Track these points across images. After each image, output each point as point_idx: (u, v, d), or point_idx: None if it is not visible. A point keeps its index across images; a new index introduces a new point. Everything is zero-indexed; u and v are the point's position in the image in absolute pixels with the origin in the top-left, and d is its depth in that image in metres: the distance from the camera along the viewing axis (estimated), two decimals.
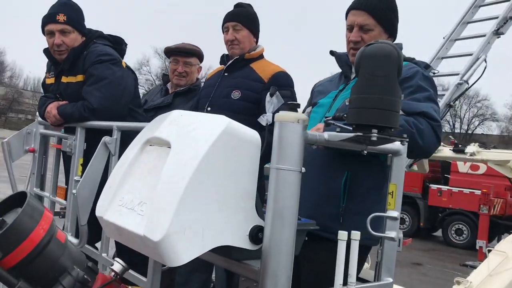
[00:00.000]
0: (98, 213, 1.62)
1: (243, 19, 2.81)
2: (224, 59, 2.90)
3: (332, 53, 2.34)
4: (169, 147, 1.48)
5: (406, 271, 9.22)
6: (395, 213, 1.72)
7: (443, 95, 4.95)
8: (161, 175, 1.42)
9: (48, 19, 2.78)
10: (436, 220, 13.97)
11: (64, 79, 2.81)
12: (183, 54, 3.27)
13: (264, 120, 2.61)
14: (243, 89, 2.71)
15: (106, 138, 2.26)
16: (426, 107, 2.04)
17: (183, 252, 1.34)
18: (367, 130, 1.41)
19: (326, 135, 1.49)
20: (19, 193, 1.31)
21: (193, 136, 1.45)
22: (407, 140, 1.54)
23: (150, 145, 1.61)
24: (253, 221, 1.47)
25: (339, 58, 2.32)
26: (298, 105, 1.42)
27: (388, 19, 2.19)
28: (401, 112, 2.02)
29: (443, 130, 2.64)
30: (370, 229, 1.68)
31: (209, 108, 2.75)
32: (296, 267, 2.08)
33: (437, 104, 2.16)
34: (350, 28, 2.23)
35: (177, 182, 1.36)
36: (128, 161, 1.64)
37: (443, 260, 11.01)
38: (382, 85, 1.41)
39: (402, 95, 1.49)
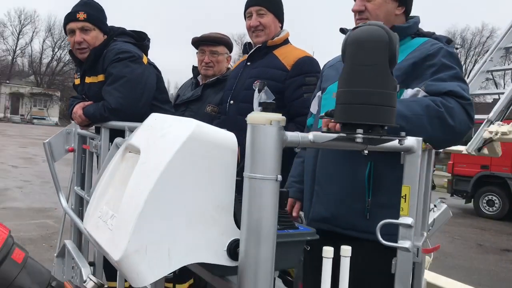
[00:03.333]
0: (83, 222, 1.57)
1: (267, 3, 2.62)
2: (246, 47, 2.74)
3: (342, 30, 2.09)
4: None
5: (492, 259, 8.57)
6: (409, 220, 1.49)
7: None
8: (127, 186, 1.31)
9: (69, 18, 2.78)
10: None
11: (87, 80, 2.82)
12: (209, 43, 3.15)
13: None
14: (264, 78, 2.54)
15: (117, 140, 2.21)
16: (453, 86, 1.79)
17: (145, 272, 1.22)
18: (352, 130, 1.19)
19: (311, 135, 1.29)
20: None
21: (160, 143, 1.32)
22: (406, 138, 1.30)
23: (129, 152, 1.51)
24: (231, 235, 1.31)
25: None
26: (273, 104, 1.23)
27: None
28: (425, 95, 1.77)
29: None
30: (380, 238, 1.48)
31: (231, 102, 2.61)
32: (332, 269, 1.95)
33: (465, 82, 1.88)
34: None
35: (138, 196, 1.24)
36: (109, 169, 1.55)
37: None
38: (370, 76, 1.19)
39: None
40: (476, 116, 5.45)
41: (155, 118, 1.47)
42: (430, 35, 2.03)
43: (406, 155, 1.50)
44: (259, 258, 1.24)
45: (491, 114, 4.53)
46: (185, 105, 3.12)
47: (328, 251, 1.26)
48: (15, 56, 55.23)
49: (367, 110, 1.17)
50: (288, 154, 2.29)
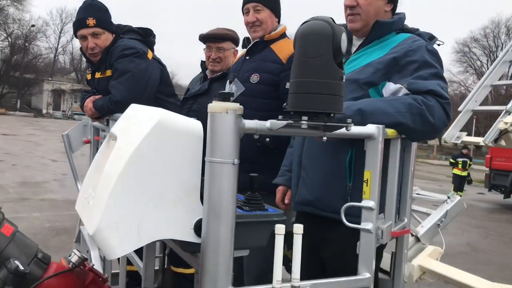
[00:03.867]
0: (76, 204, 1.73)
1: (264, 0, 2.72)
2: (245, 42, 2.85)
3: None
4: None
5: None
6: (371, 203, 1.58)
7: None
8: (103, 170, 1.46)
9: (79, 25, 2.96)
10: None
11: (97, 75, 3.01)
12: (215, 39, 3.26)
13: None
14: (261, 72, 2.64)
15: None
16: (433, 85, 1.88)
17: (116, 246, 1.37)
18: (299, 117, 1.30)
19: (268, 123, 1.40)
20: None
21: (131, 130, 1.46)
22: (352, 124, 1.38)
23: (112, 140, 1.66)
24: (197, 214, 1.44)
25: None
26: (231, 94, 1.35)
27: None
28: (407, 92, 1.87)
29: None
30: (344, 219, 1.58)
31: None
32: (316, 250, 2.06)
33: (444, 80, 1.96)
34: None
35: (110, 177, 1.39)
36: (97, 156, 1.71)
37: None
38: (315, 67, 1.29)
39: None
40: (494, 107, 5.37)
41: (132, 109, 1.61)
42: (414, 31, 2.10)
43: (367, 141, 1.58)
44: (219, 235, 1.35)
45: (509, 105, 4.47)
46: (193, 98, 3.26)
47: (298, 228, 1.36)
48: (57, 54, 57.26)
49: (311, 99, 1.27)
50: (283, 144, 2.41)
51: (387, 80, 1.96)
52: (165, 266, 2.93)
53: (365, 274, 1.59)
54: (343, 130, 1.44)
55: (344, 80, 1.33)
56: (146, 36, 3.06)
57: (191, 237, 1.44)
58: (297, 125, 1.29)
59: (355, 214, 1.63)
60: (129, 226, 1.37)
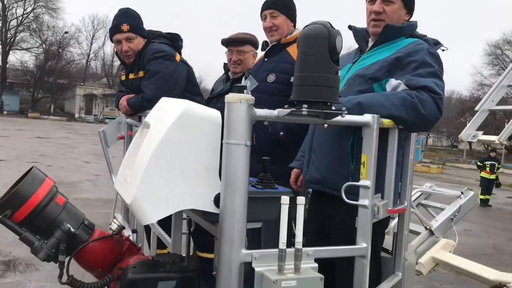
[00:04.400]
0: (115, 183, 2.02)
1: (279, 6, 2.98)
2: (264, 45, 3.12)
3: (350, 27, 2.45)
4: None
5: None
6: (367, 182, 1.82)
7: None
8: (138, 152, 1.75)
9: (115, 30, 3.31)
10: None
11: (130, 76, 3.34)
12: (235, 43, 3.54)
13: None
14: (277, 72, 2.91)
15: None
16: (428, 82, 2.10)
17: (149, 213, 1.65)
18: (300, 106, 1.55)
19: (276, 111, 1.66)
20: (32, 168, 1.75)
21: (162, 119, 1.74)
22: (346, 112, 1.63)
23: (146, 128, 1.94)
24: (216, 189, 1.70)
25: (356, 32, 2.45)
26: (245, 87, 1.62)
27: None
28: (405, 88, 2.11)
29: None
30: (344, 197, 1.82)
31: (250, 93, 3.00)
32: (323, 226, 2.30)
33: (441, 79, 2.17)
34: (372, 0, 2.34)
35: (144, 157, 1.67)
36: (132, 143, 2.00)
37: None
38: (313, 63, 1.54)
39: (338, 72, 1.58)
40: (510, 107, 5.46)
41: (163, 101, 1.89)
42: (422, 37, 2.34)
43: (364, 129, 1.82)
44: (235, 206, 1.62)
45: None
46: (217, 98, 3.55)
47: (300, 199, 1.61)
48: (89, 60, 58.86)
49: (310, 90, 1.53)
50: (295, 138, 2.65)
51: (390, 76, 2.20)
52: (191, 252, 3.22)
53: (362, 244, 1.82)
54: (342, 118, 1.69)
55: (339, 75, 1.58)
56: (174, 41, 3.38)
57: (211, 208, 1.70)
58: (299, 113, 1.55)
59: (356, 193, 1.86)
60: (160, 197, 1.64)
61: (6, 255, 5.17)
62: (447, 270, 4.02)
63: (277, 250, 1.59)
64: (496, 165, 15.17)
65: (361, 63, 2.33)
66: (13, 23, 49.48)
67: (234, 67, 3.57)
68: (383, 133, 2.04)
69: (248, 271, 1.63)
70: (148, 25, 3.43)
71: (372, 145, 1.81)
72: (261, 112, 1.65)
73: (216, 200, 1.70)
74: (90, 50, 59.98)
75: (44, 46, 51.44)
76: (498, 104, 5.02)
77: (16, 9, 49.15)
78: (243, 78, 2.79)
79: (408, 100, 2.05)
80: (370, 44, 2.41)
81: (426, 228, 4.16)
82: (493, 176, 14.94)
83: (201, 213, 1.79)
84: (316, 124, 2.20)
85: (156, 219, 1.67)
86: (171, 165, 1.66)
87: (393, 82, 2.18)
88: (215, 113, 1.72)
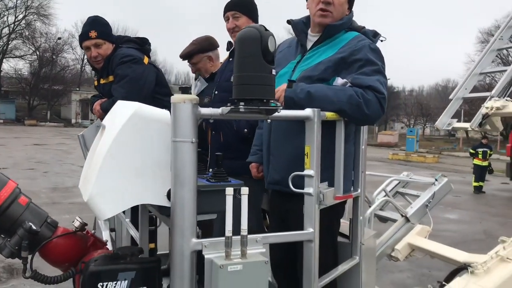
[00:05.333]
0: (79, 184, 2.15)
1: (240, 7, 3.11)
2: (228, 46, 3.24)
3: (288, 22, 2.55)
4: None
5: None
6: (311, 172, 1.95)
7: None
8: (95, 152, 1.88)
9: (83, 37, 3.45)
10: None
11: (101, 81, 3.48)
12: (185, 59, 3.66)
13: None
14: None
15: (97, 123, 2.79)
16: (373, 81, 2.24)
17: (106, 209, 1.77)
18: (238, 103, 1.68)
19: (220, 110, 1.78)
20: None
21: (115, 120, 1.87)
22: (281, 108, 1.75)
23: (103, 130, 2.07)
24: (169, 184, 1.82)
25: (295, 26, 2.54)
26: (189, 87, 1.74)
27: None
28: (349, 85, 2.23)
29: None
30: (291, 186, 1.95)
31: (216, 92, 3.13)
32: (282, 220, 2.43)
33: (384, 75, 2.31)
34: None
35: (100, 156, 1.80)
36: (94, 144, 2.13)
37: None
38: (248, 64, 1.67)
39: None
40: (481, 94, 5.58)
41: (117, 105, 2.02)
42: (360, 29, 2.45)
43: (306, 122, 1.95)
44: (184, 198, 1.74)
45: (493, 91, 4.70)
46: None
47: (229, 190, 1.73)
48: (83, 65, 58.70)
49: (246, 88, 1.65)
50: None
51: (336, 75, 2.32)
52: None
53: (309, 229, 1.95)
54: (286, 112, 1.83)
55: (273, 73, 1.70)
56: (142, 44, 3.51)
57: (165, 202, 1.83)
58: (237, 110, 1.68)
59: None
60: (115, 193, 1.77)
61: (2, 261, 5.30)
62: (423, 255, 4.15)
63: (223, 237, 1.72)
64: (488, 151, 15.31)
65: (306, 63, 2.43)
66: (5, 31, 49.49)
67: (196, 75, 3.70)
68: (331, 125, 2.17)
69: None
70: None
71: (314, 137, 1.94)
72: (206, 110, 1.78)
73: (169, 195, 1.82)
74: (84, 55, 59.65)
75: (37, 53, 51.49)
76: (471, 92, 5.14)
77: (7, 17, 49.16)
78: (193, 79, 2.92)
79: (354, 98, 2.18)
80: (309, 37, 2.51)
81: (402, 216, 4.30)
82: (485, 163, 15.08)
83: (157, 207, 1.91)
84: (277, 126, 2.34)
85: (111, 214, 1.80)
86: (125, 163, 1.78)
87: (339, 81, 2.31)
88: (164, 113, 1.85)
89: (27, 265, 1.77)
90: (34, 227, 1.75)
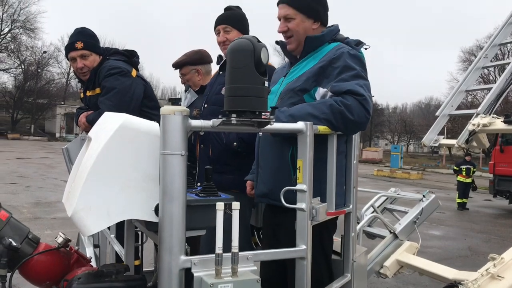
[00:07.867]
0: (63, 198, 2.07)
1: (231, 21, 3.09)
2: (218, 59, 3.21)
3: (277, 42, 2.56)
4: None
5: None
6: (304, 186, 1.90)
7: None
8: (79, 166, 1.81)
9: (69, 48, 3.38)
10: None
11: (87, 93, 3.40)
12: (177, 68, 3.64)
13: None
14: None
15: (81, 135, 2.72)
16: (351, 85, 2.20)
17: (91, 224, 1.70)
18: (230, 115, 1.63)
19: (211, 122, 1.73)
20: None
21: (102, 133, 1.81)
22: (274, 120, 1.71)
23: (89, 142, 2.00)
24: (157, 198, 1.76)
25: (283, 46, 2.53)
26: (179, 99, 1.69)
27: (306, 6, 2.38)
28: (332, 94, 2.20)
29: None
30: (283, 201, 1.90)
31: (205, 105, 3.09)
32: (274, 234, 2.38)
33: (364, 78, 2.27)
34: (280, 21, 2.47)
35: (84, 170, 1.73)
36: (79, 157, 2.06)
37: None
38: (240, 75, 1.63)
39: (267, 82, 1.67)
40: (468, 111, 5.63)
41: (104, 116, 1.96)
42: (343, 39, 2.43)
43: (298, 136, 1.91)
44: (173, 213, 1.68)
45: (479, 108, 4.74)
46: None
47: (220, 205, 1.68)
48: (69, 79, 58.30)
49: (238, 100, 1.61)
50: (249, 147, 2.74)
51: (317, 86, 2.30)
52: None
53: (302, 246, 1.90)
54: (277, 125, 1.78)
55: (266, 85, 1.66)
56: (130, 57, 3.45)
57: (152, 218, 1.76)
58: (229, 122, 1.63)
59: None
60: (100, 208, 1.70)
61: None
62: (411, 272, 4.12)
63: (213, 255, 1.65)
64: (472, 168, 15.44)
65: (290, 76, 2.44)
66: None
67: (186, 86, 3.67)
68: (323, 139, 2.14)
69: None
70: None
71: (306, 151, 1.89)
72: (197, 122, 1.72)
73: (157, 209, 1.75)
74: (70, 68, 59.36)
75: (23, 66, 51.06)
76: (457, 109, 5.18)
77: None
78: (183, 90, 2.88)
79: (335, 107, 2.14)
80: (297, 56, 2.51)
81: (390, 232, 4.27)
82: (469, 180, 15.20)
83: (144, 223, 1.85)
84: (254, 132, 2.29)
85: (96, 230, 1.73)
86: (110, 177, 1.72)
87: (320, 90, 2.29)
88: (153, 125, 1.79)
89: (6, 284, 1.68)
90: (14, 243, 1.67)
